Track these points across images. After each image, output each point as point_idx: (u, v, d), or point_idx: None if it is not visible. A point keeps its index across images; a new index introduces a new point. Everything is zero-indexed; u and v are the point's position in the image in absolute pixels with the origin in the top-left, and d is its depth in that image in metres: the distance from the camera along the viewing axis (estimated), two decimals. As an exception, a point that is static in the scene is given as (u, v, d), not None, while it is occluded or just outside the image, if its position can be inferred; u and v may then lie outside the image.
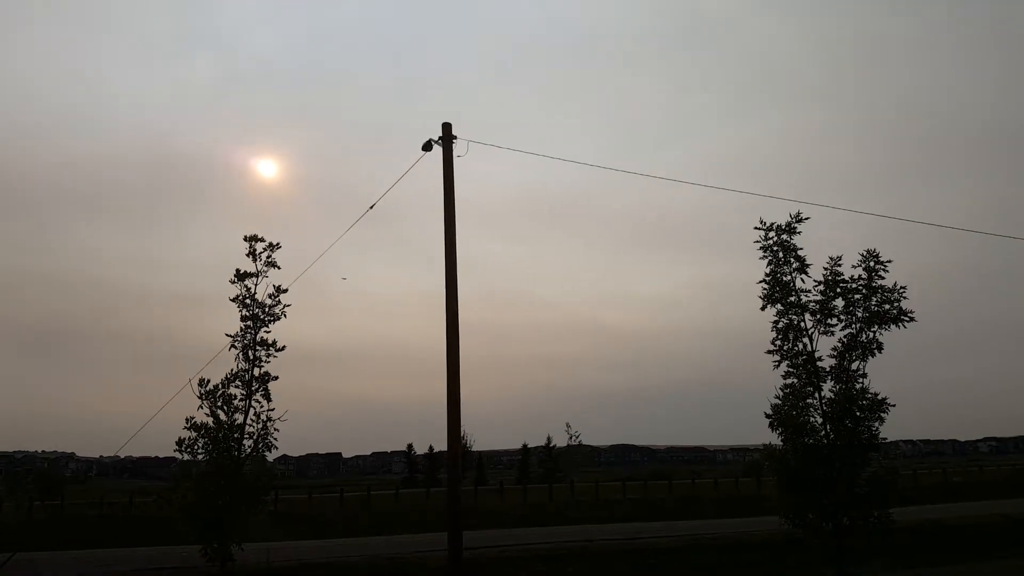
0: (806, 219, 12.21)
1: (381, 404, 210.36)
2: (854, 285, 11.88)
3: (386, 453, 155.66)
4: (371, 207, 16.18)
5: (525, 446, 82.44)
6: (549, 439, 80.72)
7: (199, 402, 17.03)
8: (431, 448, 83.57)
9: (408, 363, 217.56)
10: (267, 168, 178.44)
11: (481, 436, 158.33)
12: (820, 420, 11.75)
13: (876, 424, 11.51)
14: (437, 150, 14.04)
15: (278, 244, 18.42)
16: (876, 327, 11.74)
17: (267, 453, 17.72)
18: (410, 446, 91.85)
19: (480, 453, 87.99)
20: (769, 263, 12.31)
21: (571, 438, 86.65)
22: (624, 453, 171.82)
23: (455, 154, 14.05)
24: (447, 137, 14.07)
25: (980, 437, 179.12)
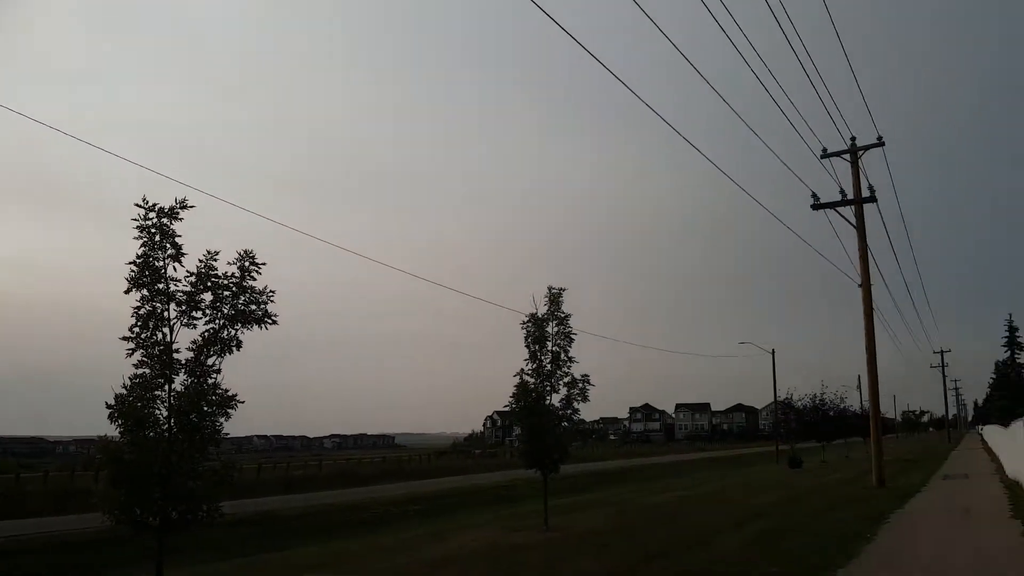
0: (192, 207, 11.81)
1: None
2: (226, 282, 11.95)
3: None
4: None
5: None
6: None
7: None
8: None
9: None
10: None
11: None
12: (166, 413, 11.40)
13: (222, 419, 11.67)
14: None
15: None
16: (240, 325, 11.99)
17: None
18: None
19: None
20: (144, 245, 11.47)
21: None
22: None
23: None
24: None
25: (327, 434, 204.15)
